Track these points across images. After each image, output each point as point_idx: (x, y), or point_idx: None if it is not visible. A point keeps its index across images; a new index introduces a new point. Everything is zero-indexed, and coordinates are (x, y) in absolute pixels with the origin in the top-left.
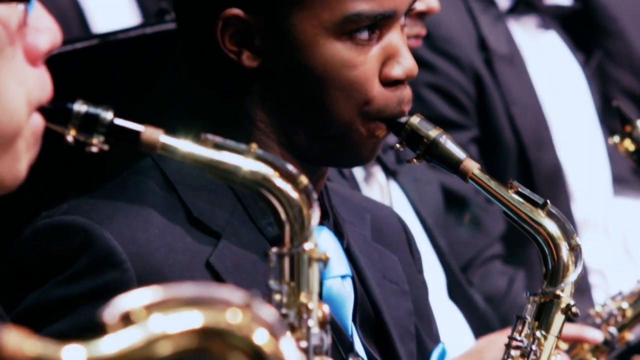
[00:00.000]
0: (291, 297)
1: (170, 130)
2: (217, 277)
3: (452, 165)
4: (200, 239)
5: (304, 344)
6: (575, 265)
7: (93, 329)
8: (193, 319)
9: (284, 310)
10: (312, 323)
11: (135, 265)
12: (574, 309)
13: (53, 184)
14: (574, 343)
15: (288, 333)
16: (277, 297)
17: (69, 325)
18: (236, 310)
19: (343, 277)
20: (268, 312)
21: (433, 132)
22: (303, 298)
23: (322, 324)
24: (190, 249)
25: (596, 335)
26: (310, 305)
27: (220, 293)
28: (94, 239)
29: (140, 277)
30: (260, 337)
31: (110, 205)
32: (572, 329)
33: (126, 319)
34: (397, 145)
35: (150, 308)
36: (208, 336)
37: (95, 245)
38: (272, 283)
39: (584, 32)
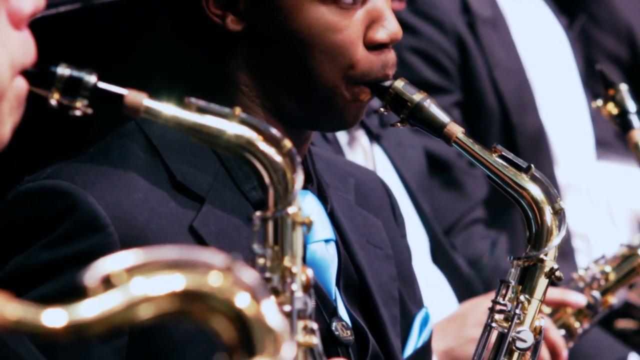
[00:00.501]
0: (275, 261)
1: (154, 94)
2: (201, 241)
3: (436, 129)
4: (184, 203)
5: (287, 308)
6: (559, 229)
7: (76, 293)
8: (174, 282)
9: (267, 274)
10: (296, 287)
11: (119, 229)
12: (557, 273)
13: (37, 148)
14: (557, 307)
15: (270, 296)
16: (261, 261)
17: (52, 289)
18: (218, 273)
19: (327, 241)
20: (250, 275)
21: (417, 96)
22: (287, 262)
23: (306, 288)
24: (173, 213)
25: (579, 299)
26: (294, 269)
27: (202, 256)
28: (77, 203)
29: (123, 241)
30: (242, 300)
31: (94, 170)
32: (555, 293)
33: (107, 282)
34: (381, 109)
35: (132, 271)
36: (189, 299)
37: (79, 209)
38: (256, 247)
39: None
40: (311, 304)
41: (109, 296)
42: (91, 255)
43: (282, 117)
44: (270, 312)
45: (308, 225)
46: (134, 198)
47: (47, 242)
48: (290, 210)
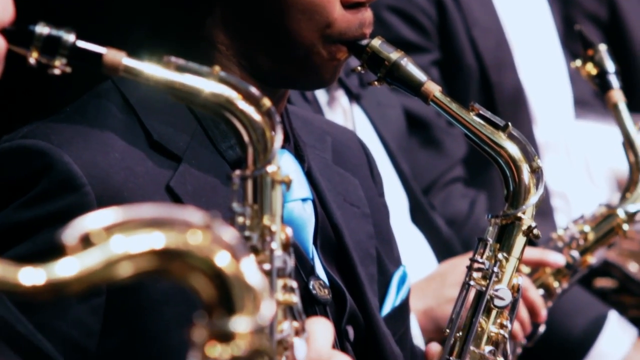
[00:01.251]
0: (254, 220)
1: (132, 53)
2: (178, 201)
3: (413, 87)
4: (161, 162)
5: (267, 266)
6: (537, 188)
7: (54, 253)
8: (154, 240)
9: (247, 233)
10: (276, 245)
11: (95, 188)
12: (535, 231)
13: (13, 107)
14: (536, 267)
15: (249, 254)
16: (240, 219)
17: (29, 249)
18: (196, 231)
19: (304, 200)
20: (229, 234)
21: (394, 55)
22: (266, 220)
23: (285, 246)
24: (150, 173)
25: (558, 259)
26: (274, 228)
27: (181, 214)
28: (53, 163)
29: (100, 200)
30: (221, 259)
31: (70, 129)
32: (534, 253)
33: (86, 241)
34: (359, 68)
35: (111, 229)
36: (169, 257)
37: (55, 168)
38: (235, 206)
39: None
40: (291, 262)
41: (87, 254)
42: (67, 215)
43: (259, 75)
44: (250, 270)
45: (287, 184)
46: (111, 157)
47: (24, 202)
48: (270, 168)
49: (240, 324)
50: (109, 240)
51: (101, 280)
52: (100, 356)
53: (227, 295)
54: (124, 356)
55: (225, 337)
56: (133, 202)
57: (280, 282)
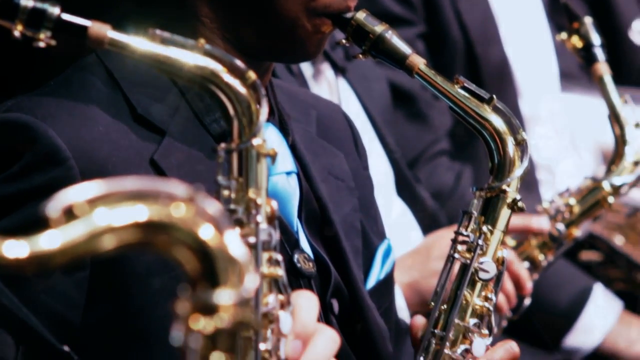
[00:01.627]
0: (239, 193)
1: (117, 26)
2: (162, 174)
3: (398, 60)
4: (145, 136)
5: (252, 239)
6: (521, 160)
7: (37, 226)
8: (136, 213)
9: (232, 206)
10: (261, 219)
11: (79, 162)
12: (519, 204)
13: None
14: (521, 234)
15: (233, 227)
16: (226, 192)
17: (13, 222)
18: (180, 204)
19: (288, 173)
20: (212, 206)
21: (379, 28)
22: (251, 194)
23: (271, 219)
24: (134, 146)
25: (542, 223)
26: (259, 201)
27: (164, 187)
28: (37, 136)
29: (84, 174)
30: (205, 232)
31: (54, 102)
32: (517, 220)
33: (69, 213)
34: (343, 41)
35: (94, 202)
36: (152, 230)
37: (39, 142)
38: (221, 179)
39: None
40: (276, 235)
41: (71, 227)
42: (51, 189)
43: (244, 48)
44: (233, 242)
45: (272, 157)
46: (95, 131)
47: (8, 176)
48: (255, 142)
49: (223, 296)
50: (92, 213)
51: (84, 252)
52: (85, 329)
53: (210, 268)
54: (108, 329)
55: (209, 309)
56: (117, 176)
57: (265, 256)
